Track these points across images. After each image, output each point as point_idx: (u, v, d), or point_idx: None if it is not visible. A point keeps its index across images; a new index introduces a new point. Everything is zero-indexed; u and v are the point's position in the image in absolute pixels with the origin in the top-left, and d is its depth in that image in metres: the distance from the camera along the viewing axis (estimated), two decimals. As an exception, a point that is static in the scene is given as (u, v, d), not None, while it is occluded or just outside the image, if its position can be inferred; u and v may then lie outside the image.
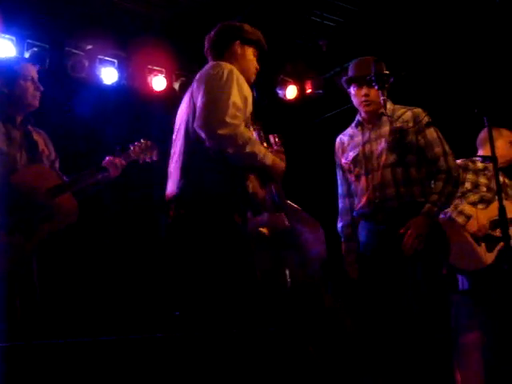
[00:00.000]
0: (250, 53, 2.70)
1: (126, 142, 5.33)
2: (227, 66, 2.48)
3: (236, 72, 2.46)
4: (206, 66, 2.59)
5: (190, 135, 2.48)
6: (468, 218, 3.47)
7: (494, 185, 3.86)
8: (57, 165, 3.19)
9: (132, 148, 3.29)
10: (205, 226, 2.39)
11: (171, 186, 2.51)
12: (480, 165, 3.59)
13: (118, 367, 1.58)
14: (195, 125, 2.41)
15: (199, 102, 2.43)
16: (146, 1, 4.96)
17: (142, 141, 3.32)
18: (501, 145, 3.49)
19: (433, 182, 3.02)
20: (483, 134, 3.62)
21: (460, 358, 3.45)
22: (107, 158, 3.20)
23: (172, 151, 2.62)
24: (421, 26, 4.69)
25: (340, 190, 3.31)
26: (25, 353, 1.55)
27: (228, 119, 2.32)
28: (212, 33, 2.73)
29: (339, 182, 3.32)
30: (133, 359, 1.58)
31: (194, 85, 2.53)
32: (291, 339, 1.77)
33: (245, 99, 2.46)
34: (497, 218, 3.60)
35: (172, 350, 1.62)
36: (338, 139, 3.34)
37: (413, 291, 2.89)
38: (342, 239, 3.27)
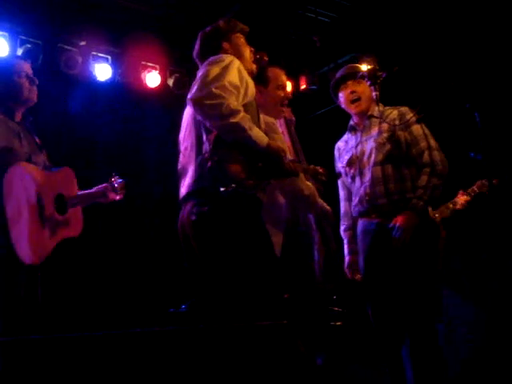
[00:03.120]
0: (238, 40, 2.71)
1: (119, 138, 5.37)
2: (229, 56, 2.50)
3: (238, 61, 2.49)
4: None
5: (198, 128, 2.47)
6: None
7: None
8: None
9: (117, 185, 3.23)
10: (226, 219, 2.35)
11: (187, 180, 2.47)
12: None
13: (121, 362, 1.59)
14: (187, 98, 2.40)
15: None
16: (139, -3, 4.96)
17: (119, 180, 3.29)
18: None
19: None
20: None
21: (449, 349, 3.49)
22: (104, 186, 3.21)
23: (182, 147, 2.60)
24: (413, 21, 4.70)
25: (341, 195, 3.37)
26: (25, 347, 1.56)
27: (216, 90, 2.30)
28: (196, 47, 2.73)
29: (340, 186, 3.38)
30: (135, 354, 1.59)
31: (198, 74, 2.52)
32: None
33: (246, 83, 2.46)
34: None
35: (178, 344, 1.62)
36: (335, 146, 3.40)
37: (404, 285, 2.92)
38: (344, 241, 3.33)
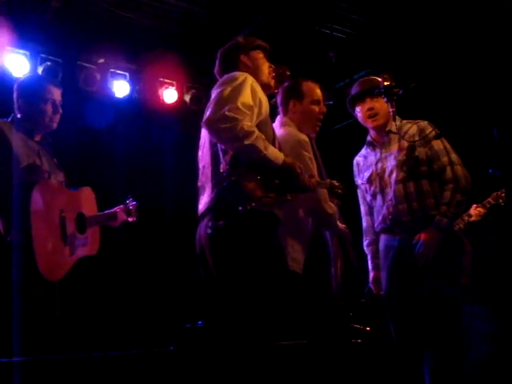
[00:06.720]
0: (256, 55, 2.72)
1: (137, 154, 5.41)
2: (242, 74, 2.51)
3: (251, 78, 2.48)
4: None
5: (214, 147, 2.49)
6: None
7: None
8: None
9: (131, 208, 3.34)
10: (242, 235, 2.35)
11: (205, 198, 2.49)
12: None
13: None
14: (202, 121, 2.41)
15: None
16: (156, 15, 5.01)
17: (133, 202, 3.37)
18: None
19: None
20: None
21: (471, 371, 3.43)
22: (118, 209, 3.28)
23: (200, 165, 2.62)
24: (430, 36, 4.70)
25: (362, 210, 3.36)
26: (42, 367, 1.56)
27: (228, 113, 2.30)
28: (217, 64, 2.76)
29: (360, 201, 3.36)
30: (152, 374, 1.59)
31: (211, 94, 2.54)
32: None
33: (259, 101, 2.46)
34: None
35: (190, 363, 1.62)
36: (354, 161, 3.39)
37: (428, 302, 2.89)
38: (368, 256, 3.30)
